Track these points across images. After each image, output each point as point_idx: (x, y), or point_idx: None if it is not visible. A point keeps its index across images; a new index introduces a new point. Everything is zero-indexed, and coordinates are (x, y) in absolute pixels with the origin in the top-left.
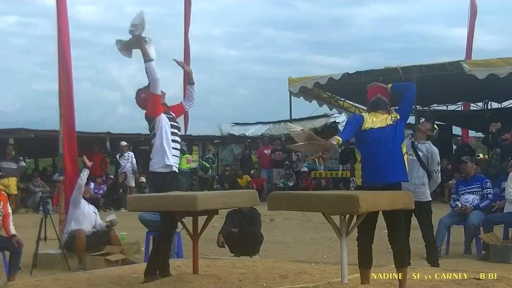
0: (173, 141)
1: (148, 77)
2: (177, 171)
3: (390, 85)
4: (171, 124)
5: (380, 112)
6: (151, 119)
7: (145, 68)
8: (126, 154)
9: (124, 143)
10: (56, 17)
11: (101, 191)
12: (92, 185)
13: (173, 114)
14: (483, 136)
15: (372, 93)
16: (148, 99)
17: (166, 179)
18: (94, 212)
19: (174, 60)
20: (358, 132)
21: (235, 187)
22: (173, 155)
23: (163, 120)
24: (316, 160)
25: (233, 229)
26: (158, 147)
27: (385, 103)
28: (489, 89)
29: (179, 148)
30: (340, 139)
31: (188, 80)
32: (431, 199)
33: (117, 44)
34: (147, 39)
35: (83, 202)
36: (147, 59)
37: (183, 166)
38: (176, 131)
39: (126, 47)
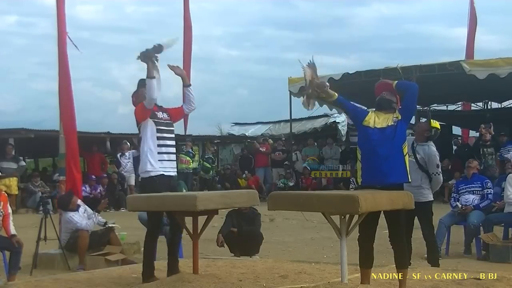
0: (160, 145)
1: (145, 92)
2: (166, 174)
3: (396, 82)
4: (158, 128)
5: (383, 112)
6: (138, 124)
7: (146, 83)
8: (127, 153)
9: (126, 142)
10: (56, 17)
11: (98, 191)
12: (87, 188)
13: (165, 116)
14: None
15: (378, 91)
16: (139, 107)
17: (153, 183)
18: (92, 214)
19: (167, 65)
20: (359, 126)
21: (235, 187)
22: (159, 160)
23: (148, 124)
24: (304, 100)
25: (233, 228)
26: (142, 153)
27: (388, 102)
28: (489, 89)
29: (172, 152)
30: (337, 96)
31: (183, 83)
32: (431, 200)
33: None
34: (158, 57)
35: (76, 214)
36: (149, 75)
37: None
38: (165, 135)
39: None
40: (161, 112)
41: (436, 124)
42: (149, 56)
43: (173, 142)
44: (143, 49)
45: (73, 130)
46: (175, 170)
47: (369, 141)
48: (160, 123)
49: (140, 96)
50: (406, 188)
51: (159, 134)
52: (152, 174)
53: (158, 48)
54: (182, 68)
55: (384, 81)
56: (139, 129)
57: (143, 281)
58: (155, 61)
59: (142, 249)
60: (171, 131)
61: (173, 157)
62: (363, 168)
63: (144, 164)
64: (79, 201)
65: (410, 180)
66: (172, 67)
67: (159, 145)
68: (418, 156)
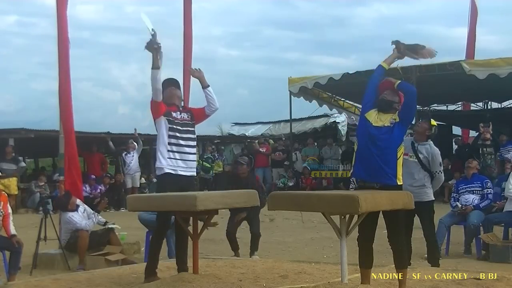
0: (171, 144)
1: (151, 84)
2: (174, 173)
3: (398, 82)
4: (171, 127)
5: (383, 113)
6: (154, 121)
7: (151, 74)
8: (132, 152)
9: (132, 141)
10: (56, 17)
11: (98, 191)
12: (87, 187)
13: (184, 116)
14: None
15: (380, 89)
16: (151, 103)
17: (162, 181)
18: (92, 214)
19: (188, 69)
20: (362, 116)
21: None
22: (169, 157)
23: (162, 122)
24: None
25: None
26: (156, 149)
27: (389, 104)
28: (489, 89)
29: (186, 152)
30: (386, 67)
31: (201, 85)
32: (433, 199)
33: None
34: (160, 45)
35: (75, 214)
36: (155, 66)
37: None
38: (178, 134)
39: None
40: (178, 112)
41: (434, 122)
42: (154, 46)
43: (189, 143)
44: (148, 39)
45: (71, 130)
46: (191, 170)
47: (366, 136)
48: (174, 123)
49: (167, 97)
50: (409, 188)
51: (171, 133)
52: (161, 171)
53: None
54: (183, 68)
55: (387, 80)
56: (155, 126)
57: (145, 278)
58: (161, 51)
59: (142, 248)
60: (188, 132)
61: (188, 157)
62: (355, 161)
63: (157, 160)
64: (78, 201)
65: (400, 183)
66: (190, 70)
67: (170, 144)
68: (420, 156)
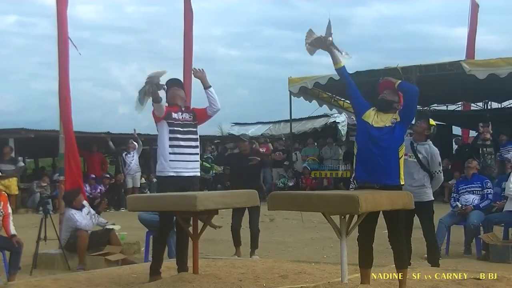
0: (172, 146)
1: (154, 110)
2: (176, 175)
3: (399, 82)
4: (172, 129)
5: (383, 112)
6: (155, 124)
7: (153, 106)
8: (132, 152)
9: (132, 141)
10: (56, 17)
11: (97, 191)
12: (87, 187)
13: (185, 116)
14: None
15: (380, 89)
16: (153, 112)
17: (162, 183)
18: (93, 215)
19: (192, 69)
20: (359, 119)
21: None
22: (170, 160)
23: (163, 125)
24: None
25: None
26: (157, 153)
27: (389, 103)
28: (489, 89)
29: (187, 153)
30: (343, 65)
31: (203, 85)
32: (433, 199)
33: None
34: (165, 86)
35: (78, 213)
36: (157, 100)
37: None
38: (179, 135)
39: (143, 95)
40: (180, 113)
41: (433, 122)
42: (157, 85)
43: (190, 143)
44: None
45: (70, 129)
46: (193, 170)
47: (366, 137)
48: (174, 124)
49: (170, 97)
50: (409, 188)
51: (172, 135)
52: (163, 174)
53: (156, 85)
54: (183, 68)
55: (387, 79)
56: (157, 128)
57: (150, 277)
58: (162, 89)
59: (142, 248)
60: (189, 132)
61: (189, 157)
62: (356, 163)
63: (158, 164)
64: (85, 202)
65: (402, 183)
66: (193, 70)
67: (171, 146)
68: (420, 156)
